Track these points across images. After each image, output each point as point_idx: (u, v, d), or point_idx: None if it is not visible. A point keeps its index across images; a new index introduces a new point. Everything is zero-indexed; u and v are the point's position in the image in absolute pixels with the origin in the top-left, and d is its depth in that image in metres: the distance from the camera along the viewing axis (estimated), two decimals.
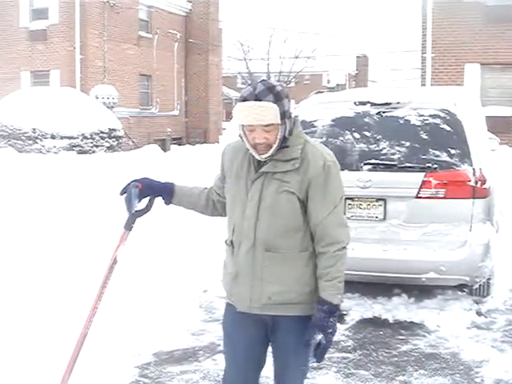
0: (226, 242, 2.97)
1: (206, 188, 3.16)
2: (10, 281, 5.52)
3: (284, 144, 2.76)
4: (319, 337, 2.70)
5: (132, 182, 3.12)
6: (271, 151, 2.74)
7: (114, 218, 4.21)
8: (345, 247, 2.80)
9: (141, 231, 4.14)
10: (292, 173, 2.76)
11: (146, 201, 3.16)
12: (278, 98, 2.69)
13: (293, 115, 2.84)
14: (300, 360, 2.87)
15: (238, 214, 2.85)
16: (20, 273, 5.75)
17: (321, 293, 2.76)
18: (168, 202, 3.14)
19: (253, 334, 2.92)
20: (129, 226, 3.19)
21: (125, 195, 3.11)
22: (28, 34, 24.05)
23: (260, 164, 2.81)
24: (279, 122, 2.69)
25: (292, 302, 2.80)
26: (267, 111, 2.66)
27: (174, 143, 25.09)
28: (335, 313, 2.75)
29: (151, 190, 3.11)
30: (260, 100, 2.66)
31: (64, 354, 3.35)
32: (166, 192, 3.12)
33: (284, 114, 2.71)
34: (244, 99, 2.70)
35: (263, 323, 2.89)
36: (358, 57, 50.44)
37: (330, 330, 2.73)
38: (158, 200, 3.16)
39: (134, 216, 3.16)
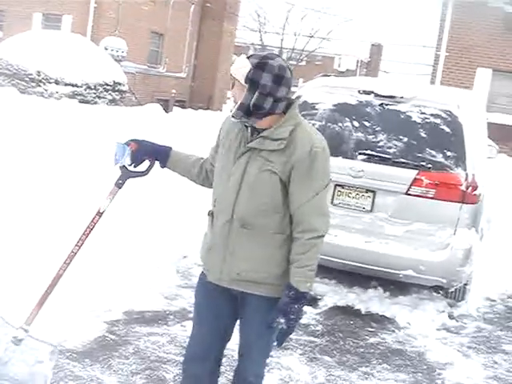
0: (208, 212, 2.97)
1: (202, 158, 3.14)
2: None
3: (251, 113, 2.70)
4: (282, 321, 2.70)
5: (128, 140, 3.09)
6: (234, 109, 2.74)
7: (107, 171, 4.20)
8: (321, 236, 2.75)
9: (132, 191, 4.14)
10: (277, 153, 2.72)
11: (144, 164, 3.14)
12: (261, 65, 2.65)
13: (291, 96, 2.82)
14: (263, 340, 2.89)
15: (221, 187, 2.85)
16: (8, 213, 5.76)
17: (290, 278, 2.74)
18: (163, 164, 3.12)
19: (221, 306, 2.93)
20: (118, 184, 3.19)
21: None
22: None
23: (250, 140, 2.80)
24: (241, 81, 2.67)
25: (260, 281, 2.79)
26: (239, 65, 2.69)
27: (177, 105, 24.92)
28: (301, 300, 2.73)
29: (149, 149, 3.08)
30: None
31: (37, 291, 3.36)
32: (163, 154, 3.09)
33: (254, 83, 2.65)
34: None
35: (233, 297, 2.90)
36: (372, 45, 50.08)
37: (293, 317, 2.71)
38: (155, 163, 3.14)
39: (127, 175, 3.15)
